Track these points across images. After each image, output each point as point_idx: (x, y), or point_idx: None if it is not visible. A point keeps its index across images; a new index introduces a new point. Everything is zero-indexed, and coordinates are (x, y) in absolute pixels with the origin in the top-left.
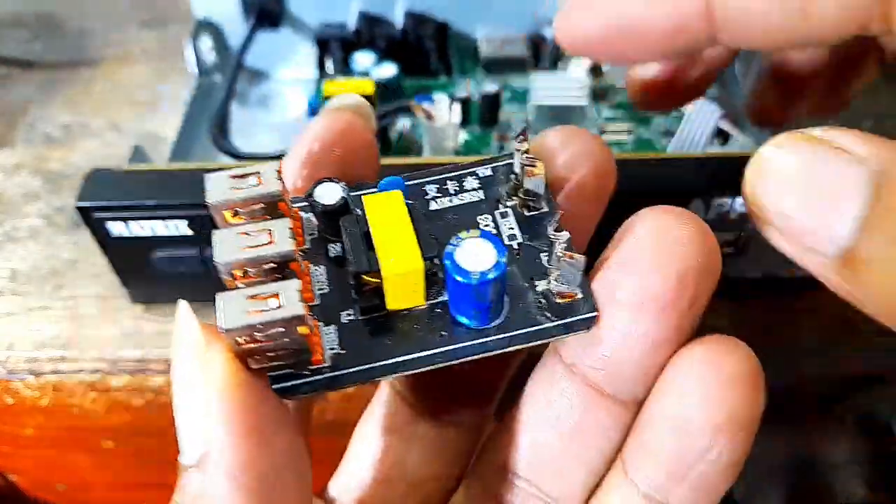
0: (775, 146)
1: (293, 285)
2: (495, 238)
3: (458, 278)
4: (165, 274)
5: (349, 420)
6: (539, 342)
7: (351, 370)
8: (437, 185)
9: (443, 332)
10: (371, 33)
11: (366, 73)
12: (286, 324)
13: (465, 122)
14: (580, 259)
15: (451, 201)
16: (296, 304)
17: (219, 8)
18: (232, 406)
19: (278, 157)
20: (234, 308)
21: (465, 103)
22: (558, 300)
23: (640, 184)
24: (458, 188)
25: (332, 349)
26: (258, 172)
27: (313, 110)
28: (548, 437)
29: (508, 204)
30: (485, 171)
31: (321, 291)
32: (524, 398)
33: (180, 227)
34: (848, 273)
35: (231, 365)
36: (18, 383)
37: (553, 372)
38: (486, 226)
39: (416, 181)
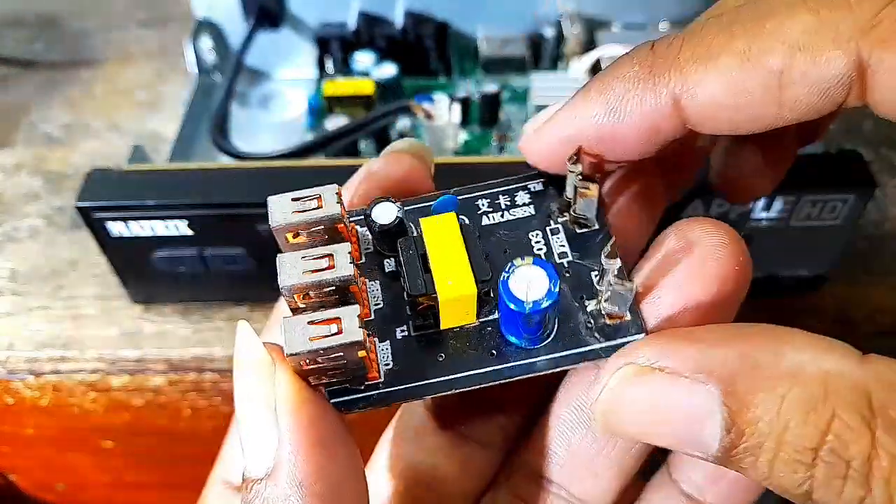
0: (622, 380)
1: (353, 311)
2: (548, 265)
3: (512, 306)
4: (165, 274)
5: (374, 426)
6: (586, 362)
7: (405, 387)
8: (489, 200)
9: (493, 352)
10: (371, 33)
11: (366, 73)
12: (346, 349)
13: (465, 122)
14: (631, 286)
15: (502, 216)
16: (356, 331)
17: (219, 8)
18: (300, 421)
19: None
20: (298, 333)
21: (466, 103)
22: (607, 321)
23: None
24: (509, 203)
25: (387, 365)
26: (319, 195)
27: (313, 110)
28: (582, 439)
29: (559, 220)
30: (536, 185)
31: (376, 307)
32: (557, 402)
33: (180, 227)
34: (727, 461)
35: (296, 383)
36: (18, 383)
37: (587, 374)
38: (538, 241)
39: (468, 195)
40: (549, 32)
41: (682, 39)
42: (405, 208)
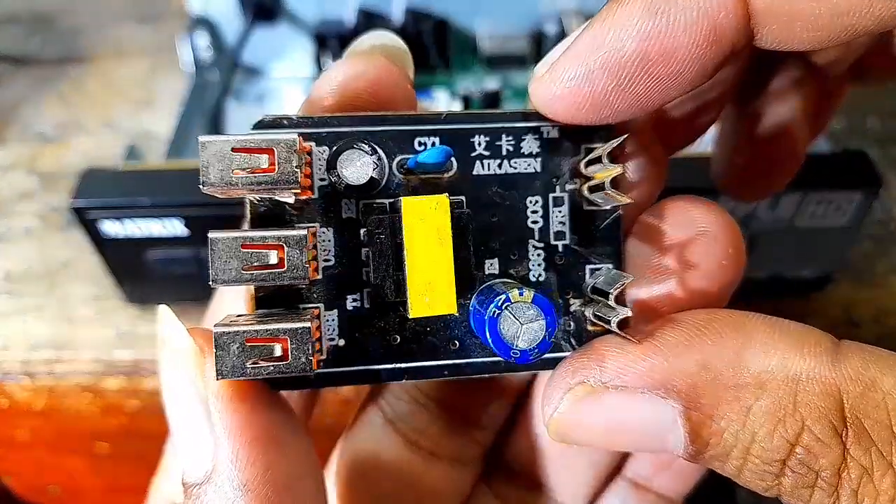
0: (574, 401)
1: (304, 332)
2: (550, 307)
3: (494, 350)
4: (160, 274)
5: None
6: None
7: (350, 369)
8: (489, 139)
9: (455, 343)
10: (370, 29)
11: None
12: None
13: None
14: (627, 311)
15: (500, 166)
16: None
17: (215, 4)
18: (238, 418)
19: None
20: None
21: (466, 100)
22: (590, 328)
23: None
24: (512, 148)
25: (332, 341)
26: (271, 148)
27: None
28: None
29: (567, 188)
30: (551, 131)
31: (326, 263)
32: (532, 399)
33: (176, 227)
34: (696, 461)
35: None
36: (13, 385)
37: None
38: (534, 212)
39: (463, 125)
40: (550, 29)
41: None
42: (378, 153)
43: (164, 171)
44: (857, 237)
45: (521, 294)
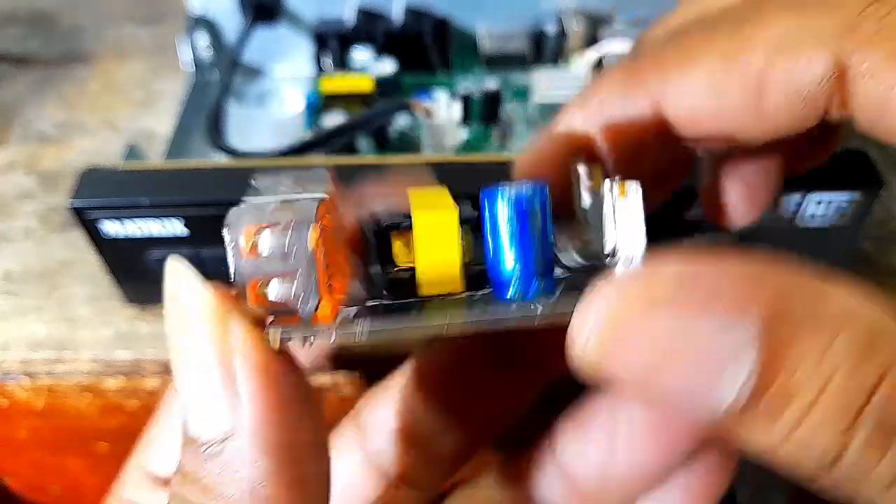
0: (633, 308)
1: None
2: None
3: (500, 201)
4: (160, 274)
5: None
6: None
7: (375, 322)
8: None
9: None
10: (370, 29)
11: (364, 70)
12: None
13: (465, 120)
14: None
15: None
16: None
17: (215, 4)
18: (266, 380)
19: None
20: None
21: (466, 100)
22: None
23: None
24: None
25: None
26: (290, 217)
27: (311, 107)
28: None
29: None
30: None
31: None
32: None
33: (176, 227)
34: (726, 429)
35: (257, 334)
36: (13, 385)
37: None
38: None
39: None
40: (550, 28)
41: (665, 44)
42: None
43: (165, 171)
44: (857, 237)
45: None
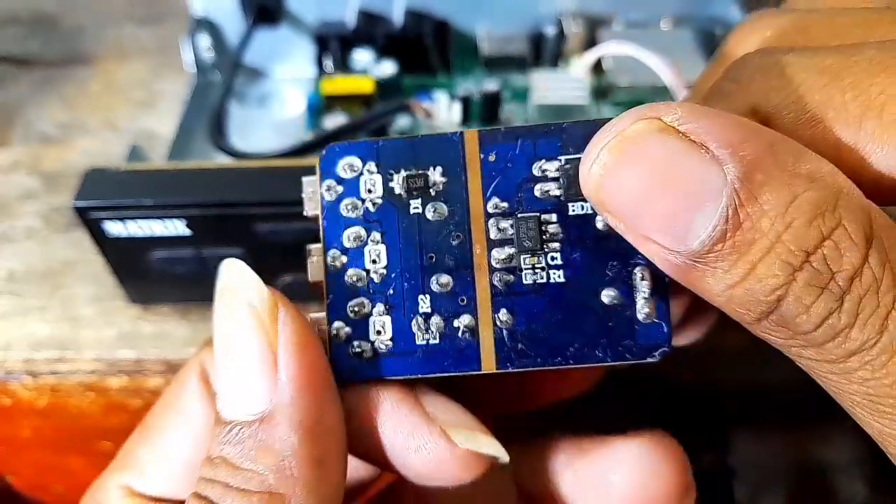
0: (643, 131)
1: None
2: None
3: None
4: (163, 274)
5: None
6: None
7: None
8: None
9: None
10: (370, 31)
11: (365, 71)
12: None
13: (465, 121)
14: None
15: None
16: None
17: (217, 5)
18: (305, 365)
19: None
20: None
21: (466, 102)
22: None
23: None
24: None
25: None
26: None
27: (312, 108)
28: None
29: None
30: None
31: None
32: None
33: (178, 227)
34: (691, 274)
35: (304, 326)
36: (16, 384)
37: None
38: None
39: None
40: (550, 30)
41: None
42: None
43: (167, 172)
44: None
45: None
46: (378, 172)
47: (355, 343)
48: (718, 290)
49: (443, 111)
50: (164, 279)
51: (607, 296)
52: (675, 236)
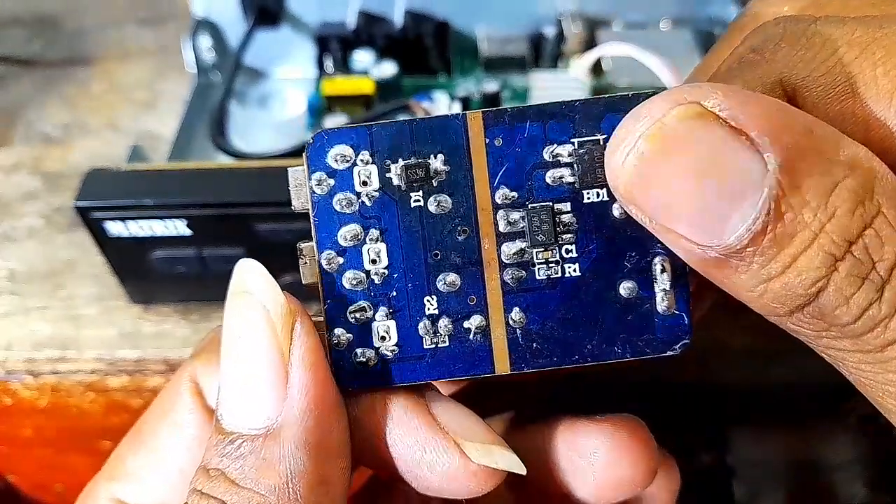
0: (683, 117)
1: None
2: None
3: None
4: (164, 274)
5: None
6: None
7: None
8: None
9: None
10: (371, 32)
11: (365, 72)
12: None
13: None
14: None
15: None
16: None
17: (218, 6)
18: (317, 381)
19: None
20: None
21: (466, 102)
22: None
23: None
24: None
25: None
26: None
27: (313, 109)
28: None
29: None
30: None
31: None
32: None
33: (179, 227)
34: (720, 268)
35: (318, 340)
36: (17, 384)
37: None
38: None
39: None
40: (549, 31)
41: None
42: None
43: (168, 172)
44: None
45: None
46: (373, 162)
47: (358, 351)
48: (751, 285)
49: (442, 112)
50: (164, 279)
51: (625, 288)
52: (707, 230)
